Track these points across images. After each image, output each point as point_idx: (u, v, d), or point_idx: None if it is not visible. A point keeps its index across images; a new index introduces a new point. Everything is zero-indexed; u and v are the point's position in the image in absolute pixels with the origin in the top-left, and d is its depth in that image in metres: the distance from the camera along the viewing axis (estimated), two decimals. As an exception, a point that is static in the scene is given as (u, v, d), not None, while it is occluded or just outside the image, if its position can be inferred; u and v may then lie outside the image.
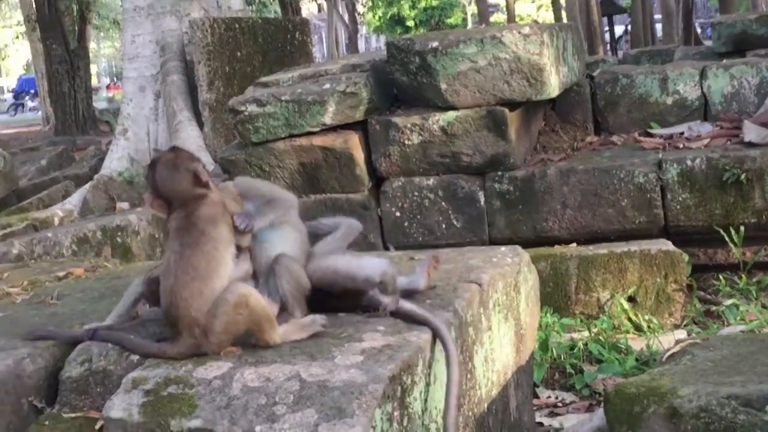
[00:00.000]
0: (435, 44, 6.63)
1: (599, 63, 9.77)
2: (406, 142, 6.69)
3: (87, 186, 10.19)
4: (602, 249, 5.78)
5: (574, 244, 6.11)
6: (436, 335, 2.66)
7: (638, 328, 5.43)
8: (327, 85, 6.74)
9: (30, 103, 45.67)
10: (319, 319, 2.71)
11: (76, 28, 22.09)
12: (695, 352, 3.19)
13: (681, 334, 5.13)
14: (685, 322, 5.61)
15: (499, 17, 42.71)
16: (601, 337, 5.15)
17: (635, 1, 22.95)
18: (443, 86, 6.59)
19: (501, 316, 3.24)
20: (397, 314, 2.77)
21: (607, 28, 26.33)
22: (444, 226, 6.75)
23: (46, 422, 2.63)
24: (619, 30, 30.46)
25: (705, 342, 3.36)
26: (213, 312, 2.55)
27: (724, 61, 7.90)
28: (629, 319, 5.48)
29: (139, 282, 2.95)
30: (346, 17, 40.01)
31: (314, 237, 3.02)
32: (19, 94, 53.78)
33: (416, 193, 6.77)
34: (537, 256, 5.21)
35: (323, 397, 2.31)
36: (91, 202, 9.74)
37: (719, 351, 3.18)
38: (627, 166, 6.47)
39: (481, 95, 6.58)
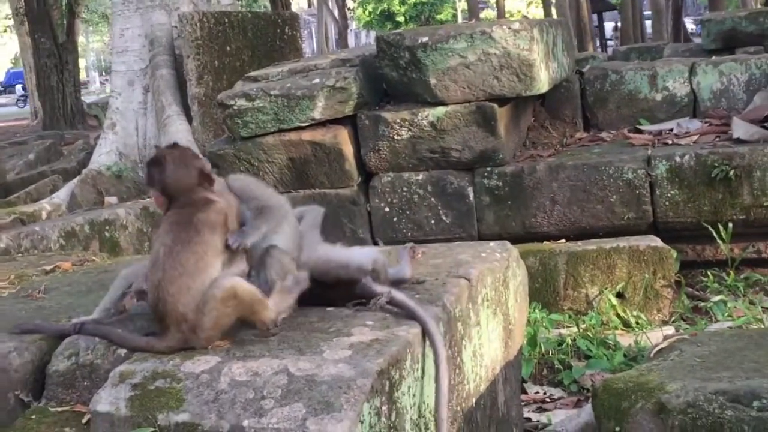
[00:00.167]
0: (425, 39, 6.63)
1: (589, 59, 9.80)
2: (396, 137, 6.68)
3: (75, 180, 10.14)
4: (591, 245, 5.79)
5: (563, 240, 6.12)
6: (423, 330, 2.66)
7: (626, 324, 5.44)
8: (316, 80, 6.73)
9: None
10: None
11: (65, 21, 22.02)
12: (683, 348, 3.20)
13: (669, 330, 5.14)
14: (673, 318, 5.62)
15: (489, 13, 42.74)
16: (589, 333, 5.16)
17: (625, -3, 23.00)
18: (433, 81, 6.59)
19: (490, 311, 3.24)
20: (390, 304, 2.77)
21: (596, 25, 26.37)
22: (433, 221, 6.75)
23: (33, 416, 2.62)
24: (608, 27, 30.53)
25: (693, 338, 3.36)
26: (201, 309, 2.55)
27: (714, 57, 7.92)
28: (617, 315, 5.49)
29: (125, 275, 2.94)
30: (336, 12, 39.97)
31: None
32: (6, 87, 53.65)
33: (405, 189, 6.77)
34: (526, 252, 5.22)
35: (311, 391, 2.31)
36: (79, 196, 9.70)
37: (707, 347, 3.18)
38: (616, 162, 6.48)
39: (471, 90, 6.57)
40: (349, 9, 44.34)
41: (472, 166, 6.69)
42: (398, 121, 6.67)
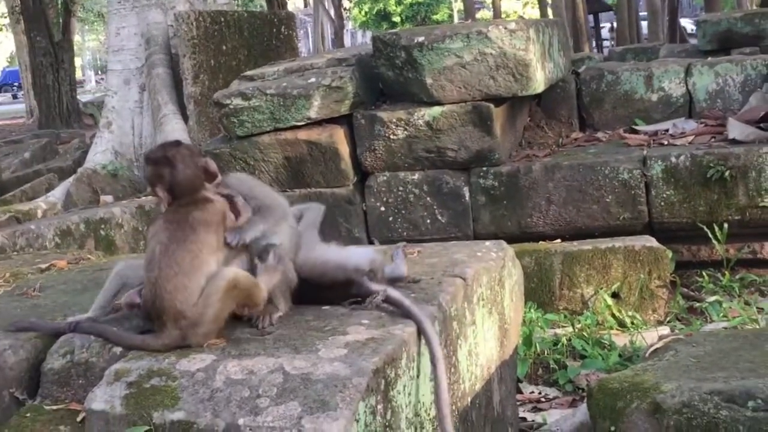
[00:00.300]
0: (421, 39, 6.63)
1: (585, 60, 9.82)
2: (392, 136, 6.68)
3: (71, 179, 10.13)
4: (586, 245, 5.79)
5: (559, 240, 6.12)
6: (419, 328, 2.66)
7: (622, 324, 5.44)
8: (312, 79, 6.73)
9: None
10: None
11: (61, 20, 21.98)
12: (678, 348, 3.20)
13: (664, 330, 5.14)
14: (668, 319, 5.63)
15: (485, 14, 42.76)
16: (584, 333, 5.16)
17: (621, -2, 23.01)
18: (429, 81, 6.59)
19: (485, 310, 3.24)
20: (387, 302, 2.77)
21: (593, 25, 26.39)
22: (429, 221, 6.75)
23: (28, 414, 2.61)
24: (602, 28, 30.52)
25: (688, 338, 3.37)
26: (205, 302, 2.56)
27: (709, 58, 7.93)
28: (613, 315, 5.49)
29: (118, 272, 2.93)
30: (332, 12, 39.93)
31: None
32: (2, 86, 53.56)
33: (401, 188, 6.77)
34: (521, 252, 5.22)
35: (307, 390, 2.31)
36: (75, 195, 9.69)
37: (702, 347, 3.19)
38: (612, 162, 6.48)
39: (467, 90, 6.58)
40: (345, 9, 44.30)
41: (467, 165, 6.69)
42: (394, 120, 6.66)
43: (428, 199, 6.74)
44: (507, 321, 3.50)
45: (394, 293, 2.78)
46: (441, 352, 2.66)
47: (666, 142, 6.87)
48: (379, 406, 2.38)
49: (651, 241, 5.75)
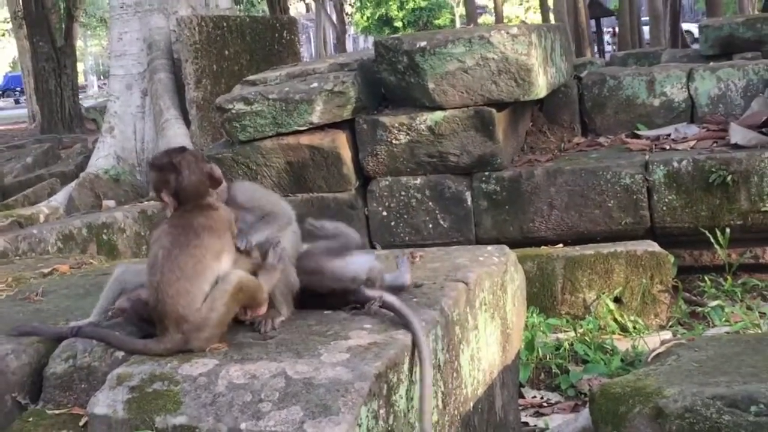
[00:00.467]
0: (423, 44, 6.63)
1: (587, 65, 9.81)
2: (394, 141, 6.69)
3: (73, 184, 10.14)
4: (588, 250, 5.78)
5: (561, 245, 6.12)
6: (412, 335, 2.64)
7: (624, 329, 5.43)
8: (315, 84, 6.73)
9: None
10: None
11: (63, 25, 21.99)
12: (680, 353, 3.19)
13: (666, 335, 5.14)
14: (670, 323, 5.62)
15: (487, 18, 42.77)
16: (586, 338, 5.15)
17: (623, 3, 22.98)
18: (431, 86, 6.59)
19: (487, 315, 3.24)
20: (384, 308, 2.77)
21: (595, 30, 26.37)
22: (431, 225, 6.75)
23: (30, 419, 2.61)
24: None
25: (690, 343, 3.36)
26: (210, 306, 2.57)
27: (711, 63, 7.93)
28: (615, 320, 5.48)
29: (118, 276, 2.93)
30: (334, 17, 39.96)
31: (311, 236, 3.02)
32: (4, 91, 53.62)
33: (403, 193, 6.77)
34: (523, 257, 5.21)
35: (309, 394, 2.31)
36: (77, 199, 9.69)
37: (704, 352, 3.18)
38: (614, 167, 6.48)
39: (469, 95, 6.58)
40: (347, 14, 44.31)
41: (470, 170, 6.69)
42: (396, 125, 6.67)
43: (430, 203, 6.74)
44: (509, 326, 3.50)
45: (390, 298, 2.78)
46: (429, 354, 2.62)
47: (668, 147, 6.87)
48: (381, 411, 2.38)
49: (653, 246, 5.74)
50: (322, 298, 2.89)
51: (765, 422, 2.59)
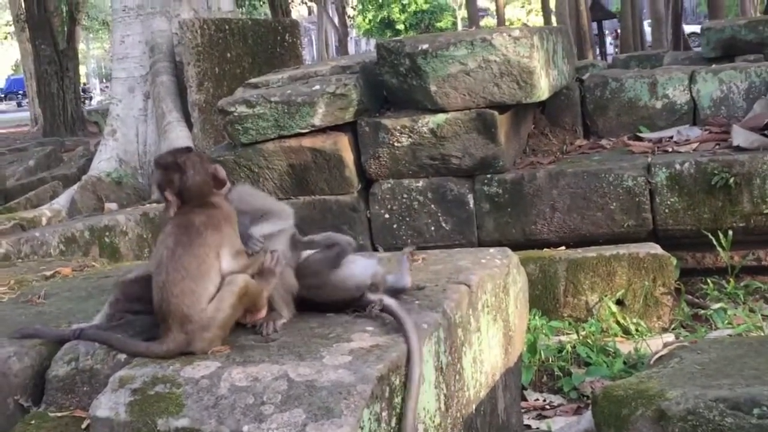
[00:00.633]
0: (425, 46, 6.63)
1: (589, 67, 9.82)
2: (396, 144, 6.69)
3: (75, 186, 10.14)
4: (591, 252, 5.78)
5: (563, 247, 6.12)
6: (405, 338, 2.62)
7: (626, 332, 5.43)
8: (317, 87, 6.74)
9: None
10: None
11: (66, 28, 22.03)
12: (683, 355, 3.19)
13: (669, 337, 5.14)
14: (673, 326, 5.62)
15: (489, 21, 42.79)
16: (589, 340, 5.15)
17: (625, 5, 23.01)
18: (433, 88, 6.60)
19: (490, 317, 3.24)
20: (384, 312, 2.77)
21: (596, 33, 26.41)
22: (433, 228, 6.75)
23: (32, 421, 2.61)
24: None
25: (693, 345, 3.36)
26: (217, 307, 2.58)
27: (713, 65, 7.93)
28: (617, 323, 5.48)
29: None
30: (336, 20, 40.01)
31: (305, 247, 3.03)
32: (7, 94, 53.70)
33: (405, 195, 6.77)
34: (526, 259, 5.21)
35: (311, 397, 2.30)
36: (79, 202, 9.70)
37: (707, 354, 3.18)
38: (616, 169, 6.48)
39: (471, 97, 6.58)
40: (349, 17, 44.38)
41: (472, 173, 6.69)
42: (398, 127, 6.67)
43: (432, 206, 6.74)
44: (511, 328, 3.50)
45: (390, 302, 2.78)
46: (419, 358, 2.61)
47: (670, 149, 6.87)
48: (384, 413, 2.38)
49: (655, 249, 5.74)
50: (324, 304, 2.90)
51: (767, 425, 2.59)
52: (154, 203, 8.12)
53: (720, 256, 6.14)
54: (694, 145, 6.87)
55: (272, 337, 2.67)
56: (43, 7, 20.41)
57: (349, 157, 6.71)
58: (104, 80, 54.56)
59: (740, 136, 6.62)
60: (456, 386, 2.87)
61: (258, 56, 10.43)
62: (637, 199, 6.39)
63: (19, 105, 46.90)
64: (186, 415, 2.33)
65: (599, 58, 23.60)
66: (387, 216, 6.81)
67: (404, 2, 46.22)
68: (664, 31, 22.02)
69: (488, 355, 3.20)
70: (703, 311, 5.77)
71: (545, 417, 4.52)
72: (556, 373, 4.91)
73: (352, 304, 2.87)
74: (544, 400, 4.74)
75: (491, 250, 3.62)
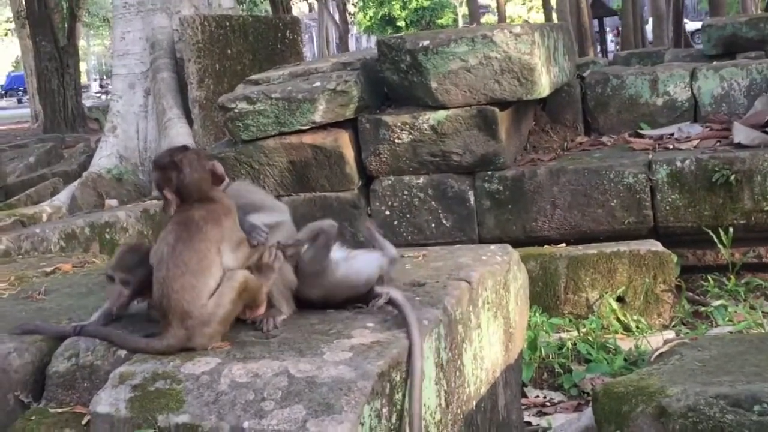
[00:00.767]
0: (426, 43, 6.63)
1: (590, 64, 9.80)
2: (397, 140, 6.68)
3: (75, 183, 10.15)
4: (591, 249, 5.78)
5: (564, 244, 6.11)
6: (408, 333, 2.63)
7: (627, 329, 5.43)
8: (317, 83, 6.73)
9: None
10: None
11: (66, 25, 22.01)
12: (684, 352, 3.19)
13: (669, 334, 5.13)
14: (673, 323, 5.62)
15: (489, 18, 42.77)
16: (589, 337, 5.15)
17: (626, 3, 22.99)
18: (434, 85, 6.59)
19: (490, 314, 3.24)
20: (390, 304, 2.78)
21: (597, 30, 26.40)
22: (433, 225, 6.75)
23: (33, 417, 2.61)
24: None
25: (693, 342, 3.35)
26: (217, 302, 2.58)
27: (714, 63, 7.92)
28: (618, 320, 5.48)
29: None
30: (336, 17, 40.00)
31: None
32: (7, 91, 53.70)
33: (406, 192, 6.77)
34: (526, 256, 5.21)
35: (312, 393, 2.30)
36: (80, 199, 9.70)
37: (708, 351, 3.17)
38: (617, 166, 6.48)
39: (472, 94, 6.58)
40: (350, 13, 44.36)
41: (472, 169, 6.69)
42: (399, 124, 6.67)
43: (433, 203, 6.74)
44: (512, 325, 3.49)
45: (397, 295, 2.78)
46: (420, 350, 2.61)
47: (671, 147, 6.87)
48: (384, 410, 2.38)
49: (656, 246, 5.74)
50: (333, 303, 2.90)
51: (768, 422, 2.59)
52: (154, 200, 8.13)
53: (721, 253, 6.13)
54: (695, 142, 6.86)
55: (272, 333, 2.67)
56: (43, 4, 20.40)
57: (349, 153, 6.71)
58: (105, 77, 54.52)
59: (741, 133, 6.61)
60: (456, 383, 2.87)
61: (259, 53, 10.43)
62: (637, 196, 6.39)
63: (19, 101, 46.90)
64: (186, 411, 2.34)
65: (600, 55, 23.61)
66: (388, 213, 6.81)
67: (405, -1, 46.24)
68: (665, 29, 22.01)
69: (489, 351, 3.20)
70: (703, 308, 5.76)
71: (546, 414, 4.52)
72: (556, 370, 4.91)
73: (361, 300, 2.87)
74: (545, 397, 4.74)
75: (492, 246, 3.62)
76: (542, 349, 5.01)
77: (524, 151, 7.34)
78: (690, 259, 6.38)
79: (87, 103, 25.44)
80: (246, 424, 2.26)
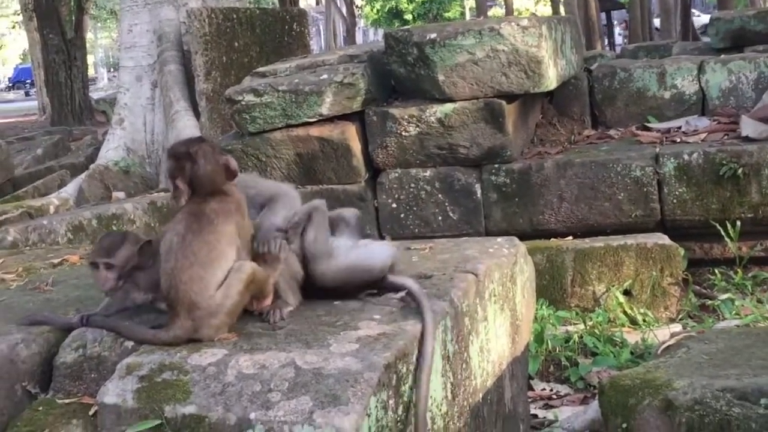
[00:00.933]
0: (433, 36, 6.62)
1: (597, 57, 9.77)
2: (404, 133, 6.68)
3: (83, 175, 10.17)
4: (598, 242, 5.78)
5: (571, 237, 6.11)
6: (422, 325, 2.64)
7: (633, 322, 5.43)
8: (324, 76, 6.73)
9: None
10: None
11: (73, 18, 22.01)
12: (690, 345, 3.19)
13: (676, 327, 5.14)
14: (680, 316, 5.61)
15: (497, 11, 42.68)
16: (596, 330, 5.15)
17: (634, -4, 22.92)
18: (441, 78, 6.58)
19: (497, 306, 3.24)
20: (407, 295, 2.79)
21: (605, 23, 26.34)
22: (440, 217, 6.75)
23: (40, 408, 2.62)
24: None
25: (700, 335, 3.36)
26: (225, 293, 2.58)
27: (722, 56, 7.90)
28: (624, 313, 5.48)
29: None
30: (344, 10, 39.94)
31: None
32: (15, 83, 53.74)
33: (413, 185, 6.77)
34: (533, 249, 5.21)
35: (318, 384, 2.31)
36: (87, 191, 9.72)
37: (714, 344, 3.18)
38: (624, 159, 6.47)
39: (479, 87, 6.57)
40: (357, 6, 44.30)
41: (479, 162, 6.68)
42: (406, 117, 6.66)
43: (440, 195, 6.74)
44: (519, 317, 3.49)
45: (412, 285, 2.78)
46: (432, 342, 2.61)
47: (678, 140, 6.85)
48: (391, 401, 2.38)
49: (663, 239, 5.74)
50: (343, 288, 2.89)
51: (775, 414, 2.59)
52: (161, 192, 8.14)
53: (728, 246, 6.12)
54: (703, 136, 6.85)
55: (279, 325, 2.67)
56: (51, -4, 20.41)
57: (356, 146, 6.71)
58: (112, 69, 54.56)
59: (749, 126, 6.60)
60: (463, 375, 2.87)
61: (266, 45, 10.42)
62: (645, 190, 6.38)
63: (27, 94, 46.91)
64: (193, 402, 2.34)
65: (608, 48, 23.55)
66: (394, 205, 6.81)
67: (412, -8, 46.11)
68: (673, 22, 21.96)
69: (495, 344, 3.20)
70: (710, 302, 5.76)
71: (552, 407, 4.53)
72: (563, 362, 4.92)
73: (373, 287, 2.87)
74: (551, 390, 4.75)
75: (499, 239, 3.62)
76: (549, 341, 5.02)
77: (531, 144, 7.33)
78: (697, 252, 6.38)
79: (94, 95, 25.45)
80: (253, 416, 2.26)
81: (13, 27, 39.71)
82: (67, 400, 2.64)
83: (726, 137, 6.73)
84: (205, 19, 9.75)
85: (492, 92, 6.57)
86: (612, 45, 26.40)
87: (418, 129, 6.66)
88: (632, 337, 5.12)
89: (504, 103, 6.56)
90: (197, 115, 10.06)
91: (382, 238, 6.55)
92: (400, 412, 2.43)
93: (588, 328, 5.19)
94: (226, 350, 2.50)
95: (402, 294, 2.80)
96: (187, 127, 9.90)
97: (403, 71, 6.78)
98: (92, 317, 2.79)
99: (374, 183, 6.87)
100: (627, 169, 6.41)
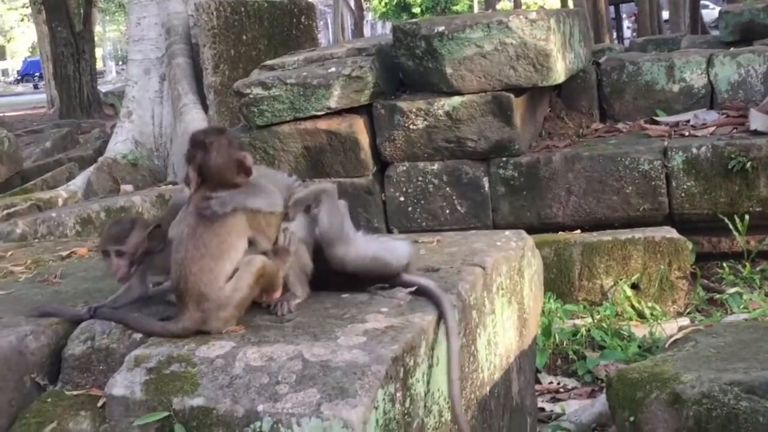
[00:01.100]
0: (441, 29, 6.62)
1: (606, 50, 9.77)
2: (411, 126, 6.68)
3: (91, 168, 10.19)
4: (606, 236, 5.78)
5: (578, 231, 6.11)
6: (439, 312, 2.66)
7: (641, 315, 5.43)
8: (332, 69, 6.73)
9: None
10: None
11: (82, 11, 22.04)
12: (698, 339, 3.19)
13: (684, 321, 5.13)
14: (688, 310, 5.61)
15: (505, 4, 42.60)
16: (603, 324, 5.15)
17: (642, -11, 22.83)
18: (449, 71, 6.58)
19: (504, 299, 3.24)
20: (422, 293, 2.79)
21: (614, 17, 26.24)
22: (448, 211, 6.75)
23: (49, 399, 2.63)
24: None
25: (708, 329, 3.35)
26: (235, 286, 2.58)
27: (731, 49, 7.88)
28: (632, 306, 5.48)
29: None
30: (351, 3, 39.88)
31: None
32: (23, 76, 53.83)
33: (420, 178, 6.77)
34: (541, 243, 5.20)
35: (326, 377, 2.31)
36: (95, 184, 9.74)
37: (722, 338, 3.17)
38: (632, 153, 6.46)
39: (487, 80, 6.56)
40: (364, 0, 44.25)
41: (487, 156, 6.68)
42: (414, 110, 6.66)
43: (447, 189, 6.74)
44: (526, 311, 3.49)
45: (429, 283, 2.78)
46: (456, 325, 2.64)
47: (687, 133, 6.84)
48: (398, 394, 2.38)
49: (671, 233, 5.73)
50: (348, 277, 2.88)
51: (783, 408, 2.58)
52: (169, 185, 8.15)
53: (736, 240, 6.12)
54: (711, 129, 6.84)
55: (287, 318, 2.68)
56: (59, -11, 20.43)
57: (364, 139, 6.71)
58: (120, 62, 54.62)
59: (758, 120, 6.59)
60: (470, 368, 2.88)
61: (274, 38, 10.42)
62: (653, 183, 6.37)
63: (35, 87, 46.98)
64: (201, 394, 2.34)
65: (616, 41, 23.46)
66: (402, 199, 6.81)
67: (420, -15, 46.07)
68: (682, 15, 21.89)
69: (503, 337, 3.20)
70: (718, 295, 5.75)
71: (559, 400, 4.53)
72: (570, 356, 4.92)
73: (386, 281, 2.86)
74: (559, 383, 4.75)
75: (506, 232, 3.62)
76: (556, 335, 5.02)
77: (539, 137, 7.33)
78: (705, 246, 6.37)
79: (103, 88, 25.49)
80: (260, 408, 2.27)
81: (22, 20, 39.72)
82: (75, 392, 2.65)
83: (735, 131, 6.72)
84: (213, 12, 9.76)
85: (500, 85, 6.57)
86: (621, 38, 26.30)
87: (426, 122, 6.66)
88: (640, 330, 5.12)
89: (512, 96, 6.55)
90: (205, 108, 10.07)
91: (390, 231, 6.61)
92: (407, 404, 2.43)
93: (595, 321, 5.19)
94: (234, 342, 2.50)
95: (412, 289, 2.80)
96: (195, 120, 9.92)
97: (411, 64, 6.78)
98: (100, 309, 2.80)
99: (382, 176, 6.87)
100: (635, 163, 6.40)
